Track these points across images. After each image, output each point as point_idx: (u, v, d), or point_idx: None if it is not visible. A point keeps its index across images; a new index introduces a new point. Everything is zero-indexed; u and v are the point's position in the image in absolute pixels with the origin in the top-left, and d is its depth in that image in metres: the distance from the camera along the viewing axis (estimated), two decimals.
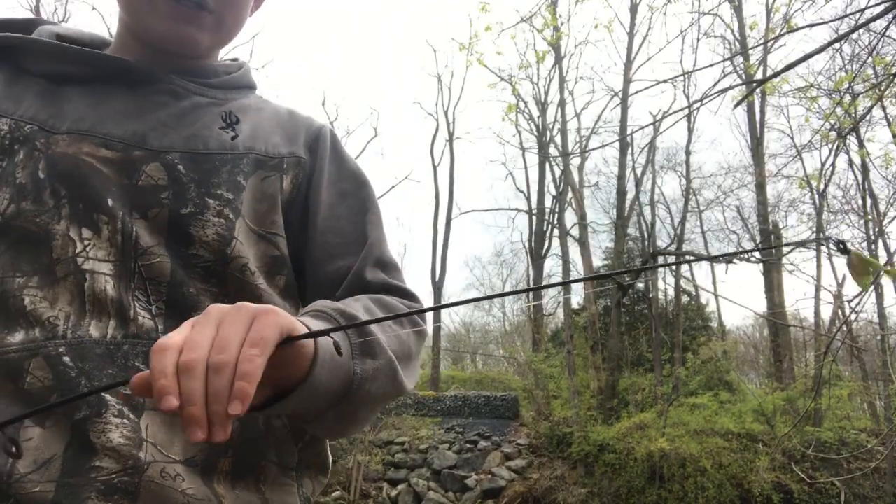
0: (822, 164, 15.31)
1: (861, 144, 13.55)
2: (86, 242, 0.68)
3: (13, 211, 0.68)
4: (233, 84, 0.87)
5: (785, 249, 16.55)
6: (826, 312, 15.48)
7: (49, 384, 0.62)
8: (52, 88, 0.77)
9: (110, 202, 0.70)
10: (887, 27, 3.19)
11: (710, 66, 14.90)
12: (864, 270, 0.52)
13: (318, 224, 0.83)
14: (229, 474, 0.69)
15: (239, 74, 0.89)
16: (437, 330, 21.31)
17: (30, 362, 0.63)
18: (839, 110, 5.43)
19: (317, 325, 0.60)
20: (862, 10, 3.17)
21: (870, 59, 5.14)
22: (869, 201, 15.18)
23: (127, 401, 0.64)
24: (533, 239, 21.32)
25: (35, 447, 0.61)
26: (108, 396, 0.64)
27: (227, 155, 0.78)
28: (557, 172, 20.35)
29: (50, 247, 0.67)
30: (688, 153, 18.69)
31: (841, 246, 0.50)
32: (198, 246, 0.72)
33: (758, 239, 17.33)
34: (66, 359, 0.63)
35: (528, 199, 22.35)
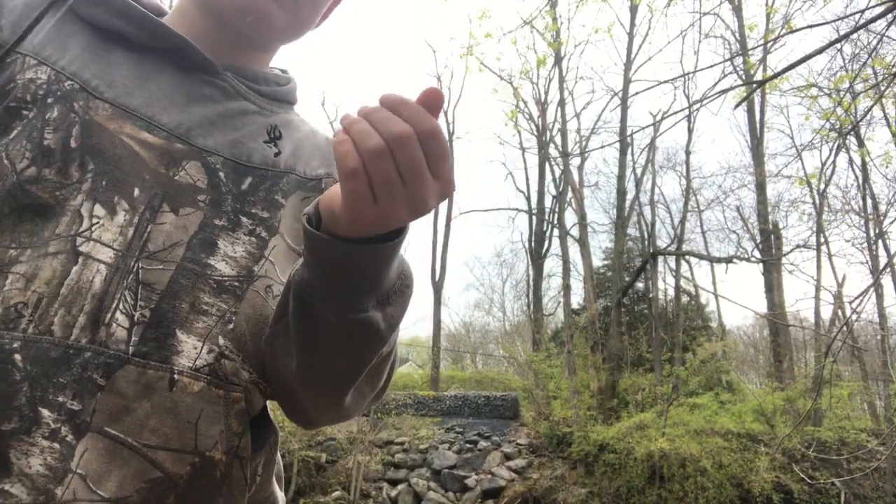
0: (822, 164, 15.35)
1: (861, 144, 13.57)
2: (94, 220, 0.62)
3: (32, 174, 0.61)
4: (279, 97, 0.84)
5: (785, 249, 16.56)
6: (826, 312, 15.52)
7: None
8: (100, 43, 0.71)
9: (136, 192, 0.64)
10: (887, 27, 3.20)
11: (711, 66, 14.92)
12: None
13: None
14: None
15: (286, 89, 0.86)
16: (437, 329, 21.32)
17: None
18: (839, 110, 5.44)
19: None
20: (862, 11, 3.18)
21: (870, 59, 5.15)
22: (869, 201, 15.21)
23: (71, 417, 0.56)
24: (533, 239, 21.36)
25: None
26: (44, 411, 0.55)
27: (268, 171, 0.75)
28: (557, 172, 20.41)
29: (57, 221, 0.61)
30: (688, 153, 18.74)
31: None
32: (220, 258, 0.68)
33: (758, 239, 17.34)
34: (17, 357, 0.56)
35: (528, 199, 22.43)
